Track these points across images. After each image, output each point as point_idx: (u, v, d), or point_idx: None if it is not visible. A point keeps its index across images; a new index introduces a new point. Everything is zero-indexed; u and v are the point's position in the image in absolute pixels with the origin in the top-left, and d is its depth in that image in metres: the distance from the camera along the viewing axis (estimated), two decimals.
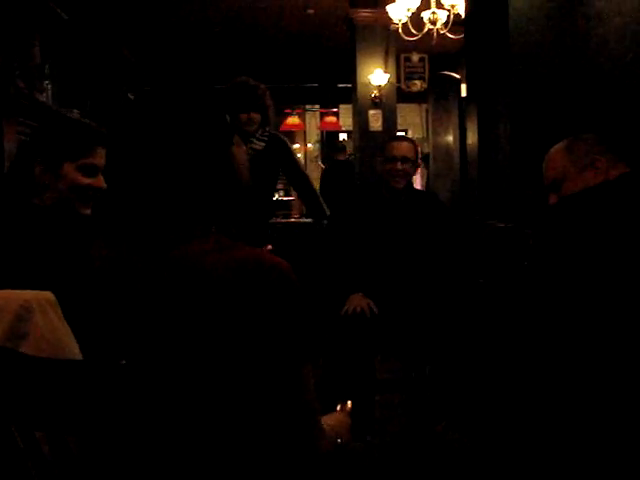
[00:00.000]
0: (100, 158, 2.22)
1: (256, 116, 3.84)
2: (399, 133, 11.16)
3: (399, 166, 3.59)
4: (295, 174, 4.31)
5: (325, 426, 1.45)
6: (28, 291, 1.70)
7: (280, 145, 4.11)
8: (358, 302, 3.35)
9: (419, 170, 13.24)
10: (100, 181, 2.22)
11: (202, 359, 1.29)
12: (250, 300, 1.26)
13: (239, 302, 1.26)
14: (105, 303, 1.40)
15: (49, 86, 7.80)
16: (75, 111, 8.21)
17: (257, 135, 3.93)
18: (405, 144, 3.69)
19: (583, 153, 2.54)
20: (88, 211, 2.22)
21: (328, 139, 15.02)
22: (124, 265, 1.37)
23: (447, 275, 3.49)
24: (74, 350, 1.71)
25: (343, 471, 1.61)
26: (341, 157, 10.66)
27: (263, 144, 3.96)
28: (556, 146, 2.63)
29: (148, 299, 1.33)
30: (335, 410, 1.71)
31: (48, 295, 1.70)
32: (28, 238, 2.02)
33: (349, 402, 1.75)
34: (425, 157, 9.82)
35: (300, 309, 1.31)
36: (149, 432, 1.35)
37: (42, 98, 7.25)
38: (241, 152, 1.41)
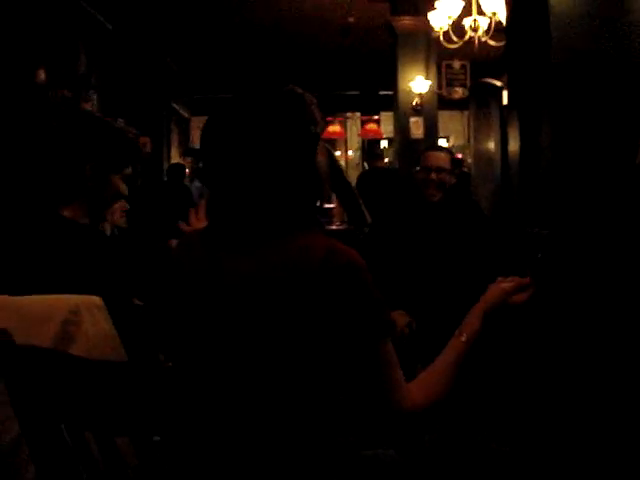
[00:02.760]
0: (131, 169, 2.31)
1: None
2: (440, 140, 11.13)
3: (433, 176, 3.54)
4: (339, 182, 4.34)
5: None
6: (76, 296, 1.75)
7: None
8: (399, 322, 3.35)
9: None
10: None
11: (285, 337, 1.38)
12: (327, 281, 1.37)
13: (317, 282, 1.37)
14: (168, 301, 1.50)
15: (95, 95, 7.93)
16: (120, 120, 8.34)
17: None
18: (440, 154, 3.64)
19: None
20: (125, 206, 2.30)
21: (369, 146, 15.02)
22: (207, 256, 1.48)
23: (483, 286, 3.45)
24: (121, 352, 1.76)
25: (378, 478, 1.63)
26: (379, 164, 10.65)
27: None
28: None
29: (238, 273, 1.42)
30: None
31: (96, 299, 1.75)
32: (78, 249, 2.06)
33: None
34: (457, 162, 9.81)
35: (373, 290, 1.42)
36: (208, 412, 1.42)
37: (88, 107, 7.39)
38: (323, 160, 1.58)
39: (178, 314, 1.49)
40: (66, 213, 2.12)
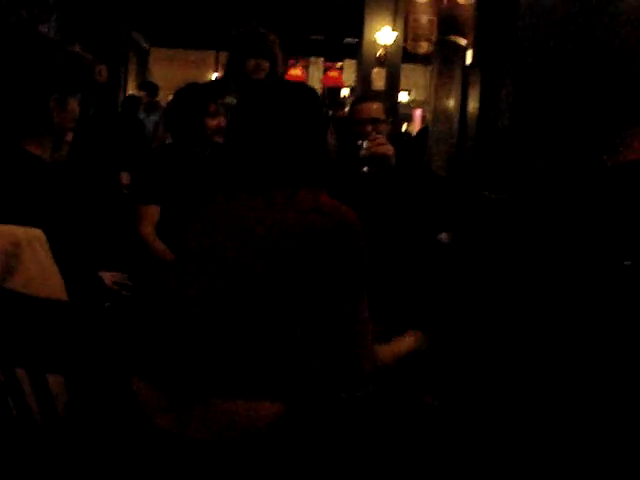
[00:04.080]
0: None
1: (264, 63, 3.77)
2: (401, 93, 11.09)
3: (369, 129, 3.28)
4: None
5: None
6: (18, 227, 1.70)
7: None
8: None
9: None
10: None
11: (274, 281, 1.59)
12: (324, 234, 1.60)
13: (315, 234, 1.60)
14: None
15: (53, 18, 7.70)
16: (77, 45, 8.11)
17: None
18: (373, 104, 3.39)
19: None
20: (71, 137, 2.23)
21: (330, 94, 14.92)
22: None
23: (431, 242, 3.42)
24: (60, 288, 1.72)
25: (327, 432, 1.65)
26: (340, 113, 10.58)
27: None
28: None
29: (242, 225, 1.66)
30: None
31: (38, 232, 1.71)
32: (23, 182, 2.00)
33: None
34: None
35: (361, 250, 1.65)
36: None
37: (44, 29, 7.17)
38: (332, 137, 1.90)
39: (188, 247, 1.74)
40: (32, 148, 2.06)
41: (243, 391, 1.53)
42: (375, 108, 3.37)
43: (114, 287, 2.49)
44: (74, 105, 2.16)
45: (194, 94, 3.12)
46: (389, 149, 3.16)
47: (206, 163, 3.13)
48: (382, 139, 3.18)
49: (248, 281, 1.58)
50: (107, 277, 2.47)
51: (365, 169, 3.16)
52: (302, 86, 1.89)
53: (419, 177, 3.38)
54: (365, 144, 3.16)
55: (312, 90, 1.87)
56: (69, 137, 2.23)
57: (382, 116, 3.36)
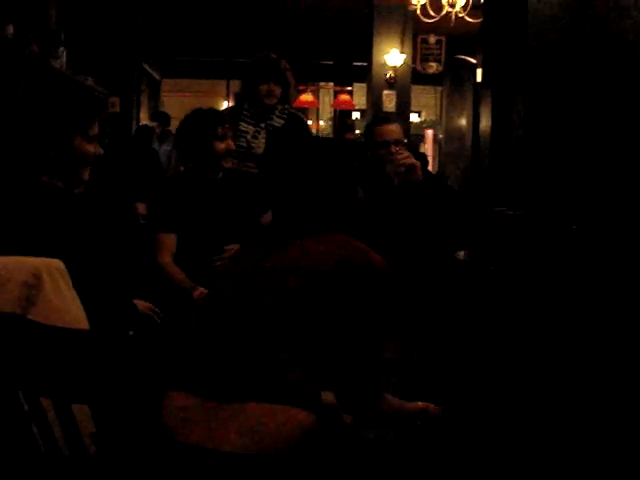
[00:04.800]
0: (97, 127, 2.22)
1: (276, 88, 3.80)
2: (412, 114, 11.11)
3: (394, 150, 3.26)
4: None
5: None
6: (38, 258, 1.71)
7: (298, 124, 4.05)
8: None
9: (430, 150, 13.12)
10: (98, 147, 2.23)
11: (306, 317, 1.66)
12: (343, 275, 1.69)
13: (336, 274, 1.68)
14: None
15: (64, 53, 7.77)
16: (89, 78, 8.20)
17: (276, 112, 3.90)
18: (392, 126, 3.39)
19: None
20: (87, 174, 2.22)
21: (341, 117, 14.99)
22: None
23: (450, 258, 3.40)
24: (82, 318, 1.73)
25: (340, 448, 1.64)
26: (349, 136, 10.60)
27: (282, 121, 3.92)
28: None
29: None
30: None
31: (58, 263, 1.72)
32: (43, 213, 2.01)
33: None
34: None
35: (390, 291, 1.76)
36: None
37: (57, 64, 7.24)
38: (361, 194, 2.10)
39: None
40: (45, 178, 2.08)
41: (280, 397, 1.55)
42: (395, 129, 3.38)
43: (149, 313, 2.51)
44: (78, 143, 2.13)
45: (200, 118, 3.12)
46: (416, 161, 3.21)
47: (219, 188, 3.14)
48: (407, 153, 3.22)
49: (288, 302, 1.66)
50: (141, 305, 2.49)
51: (395, 182, 3.21)
52: (335, 144, 2.02)
53: (439, 193, 3.37)
54: (391, 159, 3.21)
55: (345, 148, 2.06)
56: (83, 174, 2.21)
57: (402, 137, 3.37)
